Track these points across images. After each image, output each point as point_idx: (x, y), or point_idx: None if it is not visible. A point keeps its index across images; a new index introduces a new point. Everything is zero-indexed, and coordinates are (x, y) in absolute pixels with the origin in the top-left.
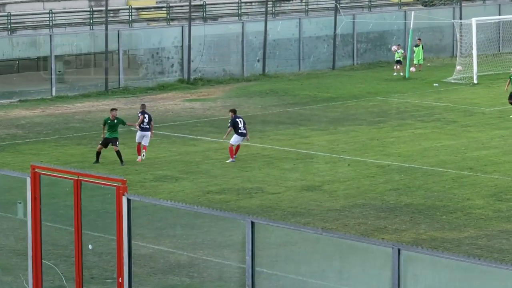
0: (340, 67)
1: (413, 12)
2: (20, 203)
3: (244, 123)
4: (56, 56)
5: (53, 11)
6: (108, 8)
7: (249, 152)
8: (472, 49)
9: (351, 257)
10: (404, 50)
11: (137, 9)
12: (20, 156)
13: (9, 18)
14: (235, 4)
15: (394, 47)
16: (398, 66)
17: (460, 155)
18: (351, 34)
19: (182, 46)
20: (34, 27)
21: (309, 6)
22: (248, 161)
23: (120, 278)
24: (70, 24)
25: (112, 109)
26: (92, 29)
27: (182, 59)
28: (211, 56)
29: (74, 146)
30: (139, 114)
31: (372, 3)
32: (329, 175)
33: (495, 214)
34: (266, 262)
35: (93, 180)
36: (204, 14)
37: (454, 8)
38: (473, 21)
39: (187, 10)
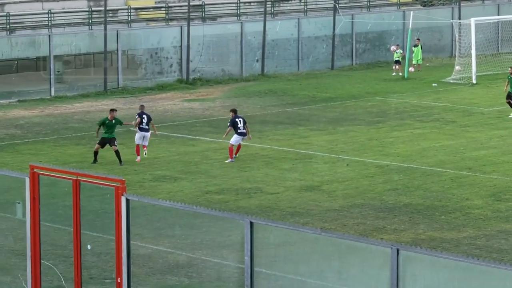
0: (339, 67)
1: (412, 12)
2: (19, 203)
3: (244, 123)
4: (55, 56)
5: (52, 11)
6: (107, 8)
7: (248, 152)
8: (471, 49)
9: (350, 257)
10: (403, 50)
11: (136, 9)
12: (19, 156)
13: (8, 18)
14: (234, 4)
15: (393, 47)
16: (397, 66)
17: (459, 155)
18: (350, 34)
19: (181, 46)
20: (33, 27)
21: (308, 6)
22: (247, 161)
23: (119, 278)
24: (69, 24)
25: (112, 110)
26: (91, 29)
27: (181, 59)
28: (210, 56)
29: (73, 146)
30: (137, 116)
31: (371, 3)
32: (328, 175)
33: (494, 214)
34: (265, 262)
35: (92, 180)
36: (203, 14)
37: (453, 8)
38: (472, 21)
39: (186, 10)
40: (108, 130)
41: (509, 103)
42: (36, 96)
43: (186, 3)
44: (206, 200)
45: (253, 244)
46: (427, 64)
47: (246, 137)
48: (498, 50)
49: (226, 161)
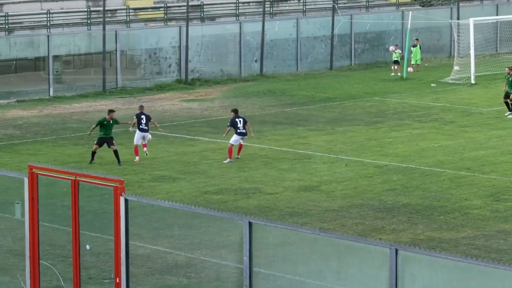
0: (337, 68)
1: (410, 12)
2: (18, 203)
3: (245, 123)
4: (53, 57)
5: (51, 11)
6: (106, 8)
7: (247, 152)
8: (470, 49)
9: (348, 258)
10: (402, 50)
11: (135, 9)
12: (18, 157)
13: (6, 18)
14: (233, 4)
15: (391, 47)
16: (396, 67)
17: (458, 155)
18: (348, 34)
19: (179, 46)
20: (32, 28)
21: (307, 6)
22: (245, 161)
23: (117, 278)
24: (67, 25)
25: (110, 111)
26: (90, 30)
27: (179, 59)
28: (208, 57)
29: (72, 147)
30: (135, 117)
31: (369, 3)
32: (326, 175)
33: (493, 214)
34: (264, 262)
35: (91, 181)
36: (202, 14)
37: (451, 8)
38: (471, 21)
39: (185, 10)
40: (106, 131)
41: (506, 103)
42: (35, 96)
43: (185, 3)
44: (205, 200)
45: (251, 244)
46: (426, 64)
47: (246, 137)
48: (496, 50)
49: (225, 161)
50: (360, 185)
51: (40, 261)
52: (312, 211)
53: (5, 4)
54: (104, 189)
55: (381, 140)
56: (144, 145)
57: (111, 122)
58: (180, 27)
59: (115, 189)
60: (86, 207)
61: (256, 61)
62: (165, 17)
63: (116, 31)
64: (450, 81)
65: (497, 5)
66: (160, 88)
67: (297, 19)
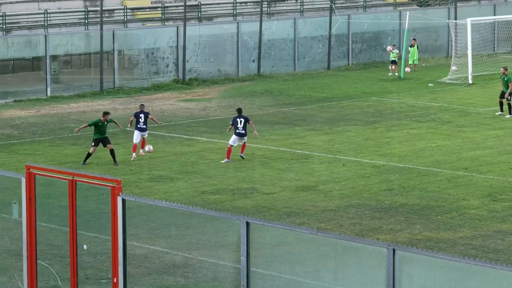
0: (335, 67)
1: (408, 12)
2: (15, 203)
3: (246, 123)
4: (51, 56)
5: (48, 11)
6: (103, 8)
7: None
8: (467, 49)
9: (346, 257)
10: (399, 50)
11: (132, 9)
12: (15, 156)
13: (4, 18)
14: (230, 4)
15: (389, 47)
16: (393, 66)
17: (455, 155)
18: (346, 34)
19: (177, 46)
20: (29, 27)
21: (304, 7)
22: (243, 161)
23: (115, 278)
24: (65, 24)
25: (105, 113)
26: (87, 29)
27: (177, 59)
28: (206, 56)
29: (69, 146)
30: (133, 115)
31: (367, 3)
32: (324, 175)
33: (490, 214)
34: (261, 262)
35: (88, 181)
36: (199, 14)
37: (449, 8)
38: (468, 21)
39: (182, 10)
40: (101, 132)
41: (500, 102)
42: (32, 96)
43: (182, 3)
44: (202, 200)
45: (249, 244)
46: (423, 64)
47: (245, 137)
48: (494, 50)
49: (222, 161)
50: (357, 185)
51: (38, 261)
52: (310, 211)
53: (2, 4)
54: (101, 189)
55: (378, 140)
56: (143, 144)
57: (105, 123)
58: (177, 27)
59: (113, 189)
60: (83, 207)
61: (253, 61)
62: (163, 17)
63: (113, 31)
64: (448, 81)
65: (495, 5)
66: (158, 88)
67: (294, 19)
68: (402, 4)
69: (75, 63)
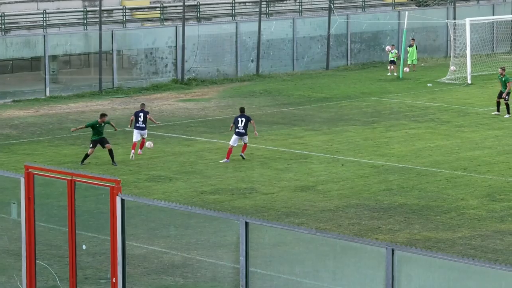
0: (334, 67)
1: (407, 12)
2: (14, 203)
3: (247, 122)
4: (50, 56)
5: (47, 11)
6: (102, 8)
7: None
8: (466, 49)
9: (345, 257)
10: (398, 50)
11: (131, 9)
12: (14, 156)
13: (3, 18)
14: (229, 4)
15: (388, 47)
16: (392, 66)
17: (454, 155)
18: (345, 34)
19: (176, 46)
20: (28, 27)
21: (303, 6)
22: (242, 161)
23: (114, 279)
24: (64, 24)
25: (103, 115)
26: (86, 29)
27: (176, 59)
28: (205, 56)
29: (68, 146)
30: (132, 115)
31: (365, 3)
32: (323, 175)
33: (489, 214)
34: (260, 262)
35: (87, 181)
36: (198, 14)
37: (448, 8)
38: (467, 21)
39: (181, 10)
40: (98, 133)
41: (498, 102)
42: (31, 96)
43: (181, 3)
44: (201, 200)
45: (248, 244)
46: (422, 64)
47: (245, 137)
48: (493, 50)
49: (221, 161)
50: (356, 185)
51: (37, 261)
52: (309, 211)
53: (1, 4)
54: (100, 189)
55: (377, 140)
56: (142, 144)
57: (102, 125)
58: (176, 27)
59: (111, 189)
60: (82, 207)
61: (252, 61)
62: (162, 17)
63: (112, 31)
64: (447, 81)
65: (493, 5)
66: (157, 88)
67: (293, 19)
68: (401, 4)
69: (74, 63)
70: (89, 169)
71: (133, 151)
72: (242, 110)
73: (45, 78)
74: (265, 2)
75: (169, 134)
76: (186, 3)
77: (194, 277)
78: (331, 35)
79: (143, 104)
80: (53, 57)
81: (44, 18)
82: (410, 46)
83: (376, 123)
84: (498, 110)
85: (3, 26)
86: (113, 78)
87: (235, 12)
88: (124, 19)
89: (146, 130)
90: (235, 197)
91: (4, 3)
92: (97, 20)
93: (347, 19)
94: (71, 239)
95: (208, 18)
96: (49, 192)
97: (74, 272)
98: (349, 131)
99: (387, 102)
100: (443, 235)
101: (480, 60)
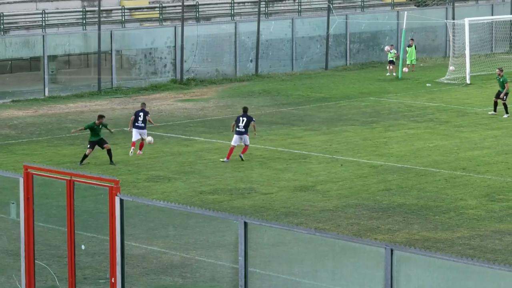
0: (333, 67)
1: (405, 12)
2: (13, 203)
3: (248, 122)
4: (49, 57)
5: (46, 11)
6: (101, 8)
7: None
8: (465, 49)
9: (344, 257)
10: (397, 51)
11: (130, 9)
12: (13, 156)
13: (2, 18)
14: (228, 4)
15: (387, 48)
16: (391, 67)
17: (453, 155)
18: (344, 34)
19: (175, 46)
20: (27, 28)
21: (302, 7)
22: (241, 161)
23: (113, 279)
24: (63, 25)
25: (100, 116)
26: (85, 30)
27: (175, 59)
28: (204, 56)
29: (67, 146)
30: (133, 115)
31: (364, 3)
32: (322, 175)
33: (488, 215)
34: (259, 262)
35: (86, 181)
36: (197, 14)
37: (447, 8)
38: (466, 21)
39: (180, 10)
40: (96, 134)
41: (495, 102)
42: (30, 96)
43: (180, 3)
44: (200, 200)
45: (247, 244)
46: (421, 64)
47: (245, 136)
48: (492, 50)
49: (221, 159)
50: (355, 185)
51: (35, 261)
52: (307, 211)
53: (0, 4)
54: (99, 189)
55: (376, 140)
56: (141, 146)
57: (100, 126)
58: (175, 27)
59: (110, 189)
60: (81, 207)
61: (251, 61)
62: (160, 17)
63: (111, 31)
64: (445, 81)
65: (492, 5)
66: (155, 88)
67: (292, 19)
68: (400, 4)
69: (73, 63)
70: (88, 169)
71: (132, 148)
72: (245, 109)
73: (44, 78)
74: (264, 2)
75: (168, 134)
76: (185, 3)
77: (193, 277)
78: (330, 35)
79: (143, 104)
80: (52, 57)
81: (43, 18)
82: (409, 46)
83: (375, 123)
84: (495, 110)
85: (2, 26)
86: (112, 78)
87: (234, 12)
88: (123, 19)
89: (146, 130)
90: (234, 197)
91: (3, 3)
92: (96, 20)
93: (346, 19)
94: (70, 239)
95: (207, 18)
96: (48, 192)
97: (73, 272)
98: (348, 131)
99: (386, 102)
100: (442, 235)
101: (479, 60)
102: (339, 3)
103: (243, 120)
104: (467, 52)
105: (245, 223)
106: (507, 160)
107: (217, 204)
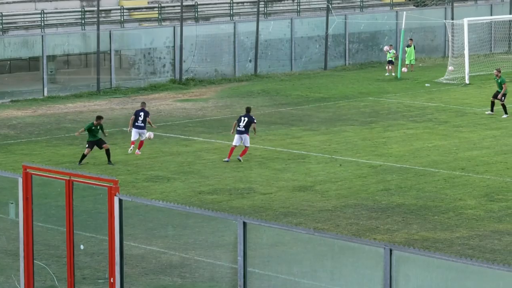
0: (332, 68)
1: (404, 12)
2: (12, 203)
3: (249, 122)
4: (48, 57)
5: (45, 11)
6: (100, 8)
7: (241, 152)
8: (464, 49)
9: (343, 257)
10: (396, 51)
11: (129, 9)
12: (12, 156)
13: (1, 18)
14: (227, 5)
15: (386, 48)
16: (390, 67)
17: (452, 155)
18: (343, 35)
19: (174, 46)
20: (26, 28)
21: (301, 7)
22: (240, 161)
23: (112, 279)
24: (62, 25)
25: (99, 117)
26: (84, 30)
27: (174, 59)
28: (203, 57)
29: (66, 146)
30: (133, 115)
31: (363, 4)
32: (321, 175)
33: (487, 214)
34: (258, 262)
35: (85, 181)
36: (196, 14)
37: (445, 8)
38: (465, 21)
39: (179, 10)
40: (94, 135)
41: (492, 102)
42: (29, 96)
43: (179, 3)
44: (199, 200)
45: (246, 244)
46: (420, 65)
47: (243, 135)
48: (491, 50)
49: (223, 160)
50: (354, 185)
51: (34, 261)
52: (307, 211)
53: None
54: (98, 189)
55: (375, 140)
56: (140, 145)
57: (98, 127)
58: (174, 27)
59: (109, 189)
60: (80, 207)
61: (250, 61)
62: (159, 17)
63: (110, 31)
64: (444, 81)
65: (491, 5)
66: (155, 88)
67: (291, 19)
68: (399, 4)
69: (72, 63)
70: (87, 169)
71: (132, 146)
72: (248, 110)
73: (43, 78)
74: (263, 2)
75: (167, 134)
76: (184, 3)
77: (192, 277)
78: (329, 35)
79: (143, 103)
80: (51, 57)
81: (42, 18)
82: (408, 46)
83: (374, 123)
84: (492, 110)
85: (1, 26)
86: (111, 78)
87: (233, 12)
88: (122, 19)
89: (145, 130)
90: (233, 197)
91: (2, 3)
92: (95, 20)
93: (345, 19)
94: (69, 239)
95: (206, 18)
96: (47, 192)
97: (72, 272)
98: (347, 131)
99: (385, 102)
100: (441, 235)
101: (478, 60)
102: (338, 3)
103: (244, 120)
104: (466, 52)
105: (244, 223)
106: (506, 160)
107: (216, 204)
